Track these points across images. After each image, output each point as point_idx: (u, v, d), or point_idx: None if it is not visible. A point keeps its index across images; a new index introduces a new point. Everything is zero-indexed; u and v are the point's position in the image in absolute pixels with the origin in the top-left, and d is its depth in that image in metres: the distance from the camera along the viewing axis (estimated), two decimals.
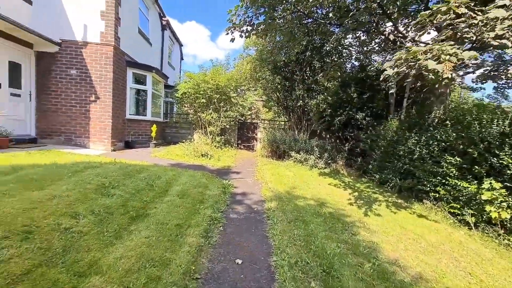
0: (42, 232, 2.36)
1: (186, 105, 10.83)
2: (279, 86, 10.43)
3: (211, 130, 10.17)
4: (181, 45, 16.17)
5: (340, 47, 9.94)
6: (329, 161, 8.92)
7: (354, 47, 10.82)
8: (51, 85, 7.25)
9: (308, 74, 10.10)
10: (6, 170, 3.76)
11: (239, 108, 10.49)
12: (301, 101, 9.74)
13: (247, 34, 6.55)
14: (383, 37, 7.95)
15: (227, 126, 10.56)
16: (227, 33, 6.50)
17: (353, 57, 10.91)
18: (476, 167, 4.32)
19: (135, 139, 8.78)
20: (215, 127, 10.13)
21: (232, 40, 6.58)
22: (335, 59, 9.95)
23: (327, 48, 9.69)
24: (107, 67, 7.31)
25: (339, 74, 9.05)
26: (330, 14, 7.44)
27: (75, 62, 7.24)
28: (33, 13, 6.97)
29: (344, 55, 10.53)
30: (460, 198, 4.39)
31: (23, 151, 5.67)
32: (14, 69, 6.64)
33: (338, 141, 10.48)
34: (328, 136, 10.81)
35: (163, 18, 11.92)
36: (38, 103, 7.24)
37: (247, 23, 6.29)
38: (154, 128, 9.04)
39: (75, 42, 7.20)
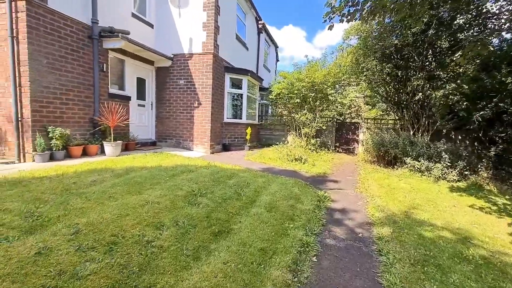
0: (126, 244, 2.30)
1: (280, 106, 10.52)
2: (388, 78, 8.60)
3: (306, 132, 9.45)
4: (276, 47, 16.19)
5: (481, 18, 7.22)
6: (466, 172, 6.60)
7: (504, 13, 7.68)
8: (165, 95, 8.35)
9: (430, 59, 7.85)
10: (121, 172, 4.27)
11: (337, 107, 9.34)
12: (420, 93, 7.64)
13: (349, 17, 5.48)
14: None
15: (323, 127, 9.58)
16: (325, 20, 5.62)
17: (505, 27, 7.74)
18: None
19: (231, 142, 9.09)
20: (310, 129, 9.35)
21: (331, 28, 5.65)
22: (475, 33, 7.28)
23: (461, 21, 7.22)
24: (208, 74, 7.79)
25: (491, 49, 6.57)
26: None
27: (183, 73, 8.06)
28: (155, 35, 8.19)
29: (490, 26, 7.62)
30: None
31: (142, 153, 6.63)
32: (140, 84, 7.97)
33: (477, 143, 7.72)
34: (459, 137, 8.16)
35: (259, 22, 12.09)
36: (157, 111, 8.48)
37: (350, 3, 5.22)
38: (249, 131, 9.12)
39: (183, 55, 8.02)
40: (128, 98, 7.28)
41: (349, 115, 11.07)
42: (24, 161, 4.98)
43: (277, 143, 9.89)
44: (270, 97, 9.73)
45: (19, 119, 4.92)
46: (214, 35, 7.69)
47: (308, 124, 9.41)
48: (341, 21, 5.60)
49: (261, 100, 12.46)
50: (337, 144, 11.14)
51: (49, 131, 5.13)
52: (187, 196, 3.56)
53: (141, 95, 8.00)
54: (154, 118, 8.50)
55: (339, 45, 9.98)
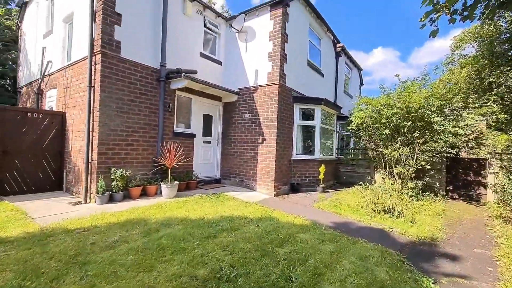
0: None
1: (365, 138, 8.62)
2: None
3: (400, 172, 7.19)
4: (360, 70, 14.34)
5: None
6: None
7: None
8: (231, 131, 8.00)
9: None
10: (153, 227, 3.69)
11: (446, 137, 6.78)
12: None
13: (465, 14, 3.75)
14: None
15: (427, 166, 7.07)
16: (423, 25, 4.05)
17: None
18: None
19: (302, 182, 7.78)
20: (405, 168, 7.07)
21: (434, 34, 4.03)
22: None
23: None
24: (272, 106, 7.01)
25: None
26: None
27: (248, 107, 7.56)
28: (223, 71, 8.17)
29: None
30: None
31: (199, 194, 6.16)
32: (207, 120, 7.89)
33: None
34: None
35: (337, 45, 10.87)
36: (222, 148, 8.17)
37: None
38: (322, 169, 7.64)
39: (248, 88, 7.58)
40: (193, 136, 7.21)
41: (464, 146, 7.99)
42: (89, 202, 5.18)
43: (361, 183, 7.93)
44: (350, 128, 8.07)
45: (89, 161, 5.23)
46: (280, 64, 6.96)
47: (403, 162, 7.15)
48: (451, 21, 3.92)
49: (341, 131, 10.75)
50: (450, 188, 8.11)
51: (112, 173, 5.26)
52: (207, 279, 2.54)
53: (207, 131, 7.89)
54: (220, 154, 8.20)
55: (447, 57, 7.59)
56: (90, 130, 5.23)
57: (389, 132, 7.04)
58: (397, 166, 7.33)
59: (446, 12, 3.90)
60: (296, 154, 7.83)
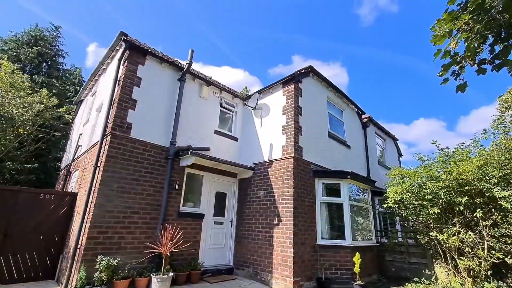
0: None
1: (411, 218, 6.93)
2: None
3: (468, 266, 5.25)
4: (395, 140, 13.23)
5: None
6: None
7: None
8: (245, 210, 7.19)
9: None
10: None
11: None
12: None
13: (498, 62, 3.07)
14: None
15: (509, 260, 5.06)
16: (445, 79, 3.37)
17: None
18: None
19: (331, 276, 6.12)
20: (474, 260, 5.16)
21: (462, 88, 3.32)
22: None
23: None
24: (288, 182, 6.25)
25: None
26: None
27: (263, 183, 6.91)
28: (239, 147, 8.01)
29: None
30: None
31: None
32: (220, 199, 7.30)
33: None
34: None
35: (362, 116, 10.40)
36: (236, 230, 7.23)
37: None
38: (357, 259, 6.02)
39: (263, 163, 7.10)
40: (201, 216, 6.55)
41: None
42: None
43: (415, 278, 5.96)
44: (386, 206, 6.65)
45: (78, 246, 4.78)
46: (294, 136, 6.54)
47: (470, 252, 5.28)
48: (480, 72, 3.24)
49: (380, 208, 9.09)
50: None
51: (98, 261, 4.65)
52: None
53: (220, 211, 7.19)
54: (233, 238, 7.20)
55: (496, 119, 6.43)
56: (87, 211, 4.98)
57: (439, 211, 5.49)
58: (461, 257, 5.42)
59: (471, 63, 3.25)
60: (322, 239, 6.47)
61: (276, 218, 6.24)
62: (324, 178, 6.93)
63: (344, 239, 6.48)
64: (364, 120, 10.56)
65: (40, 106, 10.06)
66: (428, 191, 5.73)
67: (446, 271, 6.17)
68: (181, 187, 6.29)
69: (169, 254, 5.41)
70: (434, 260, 6.80)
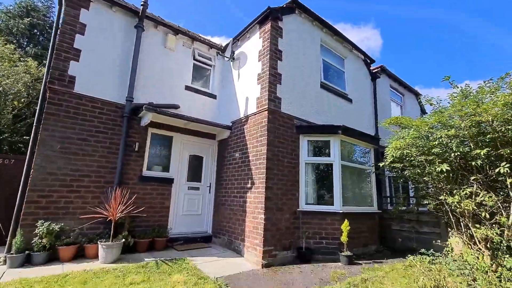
0: None
1: (417, 179, 5.68)
2: None
3: (485, 236, 4.07)
4: (417, 95, 11.28)
5: None
6: None
7: None
8: (223, 174, 6.44)
9: None
10: None
11: None
12: None
13: None
14: None
15: None
16: None
17: None
18: None
19: (316, 246, 5.27)
20: (492, 229, 3.95)
21: None
22: None
23: None
24: (262, 139, 5.28)
25: None
26: None
27: (239, 142, 6.02)
28: (218, 105, 7.09)
29: None
30: None
31: (154, 259, 4.50)
32: (196, 163, 6.60)
33: None
34: None
35: (372, 66, 8.74)
36: (215, 196, 6.57)
37: None
38: (345, 226, 5.07)
39: (239, 120, 6.15)
40: (169, 181, 5.93)
41: None
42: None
43: (422, 250, 4.93)
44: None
45: (20, 210, 4.40)
46: (269, 86, 5.43)
47: (489, 219, 4.05)
48: None
49: (390, 173, 7.80)
50: None
51: (37, 226, 4.25)
52: None
53: (195, 176, 6.52)
54: (212, 204, 6.57)
55: None
56: (29, 175, 4.53)
57: (448, 169, 4.20)
58: (477, 226, 4.23)
59: None
60: (307, 204, 5.55)
61: (250, 181, 5.40)
62: (310, 135, 5.84)
63: (332, 205, 5.50)
64: (375, 70, 8.92)
65: (26, 76, 9.84)
66: (436, 142, 4.43)
67: (463, 241, 5.02)
68: (143, 149, 5.64)
69: (128, 220, 4.92)
70: (449, 229, 5.61)
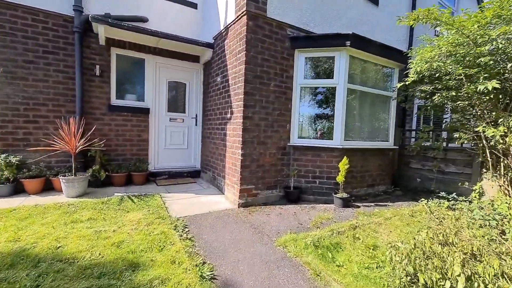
0: None
1: (449, 104, 4.27)
2: None
3: None
4: None
5: None
6: None
7: None
8: (207, 103, 5.56)
9: None
10: None
11: None
12: None
13: None
14: None
15: None
16: None
17: None
18: None
19: (308, 185, 4.53)
20: None
21: None
22: None
23: None
24: (240, 56, 4.08)
25: None
26: None
27: (220, 64, 4.88)
28: (200, 18, 5.72)
29: None
30: None
31: (126, 194, 4.18)
32: (177, 90, 5.72)
33: None
34: None
35: None
36: (202, 128, 5.86)
37: None
38: (343, 165, 4.15)
39: (220, 35, 4.86)
40: (145, 111, 5.23)
41: None
42: None
43: (445, 193, 4.03)
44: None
45: None
46: None
47: None
48: None
49: (419, 101, 6.24)
50: None
51: None
52: None
53: (178, 106, 5.74)
54: (200, 137, 5.93)
55: None
56: None
57: (498, 86, 2.78)
58: None
59: None
60: (299, 138, 4.60)
61: (230, 110, 4.47)
62: (308, 50, 4.44)
63: (332, 139, 4.48)
64: None
65: None
66: (487, 48, 2.90)
67: (497, 187, 3.91)
68: (107, 73, 4.82)
69: (99, 153, 4.51)
70: (483, 171, 4.44)
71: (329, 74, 4.50)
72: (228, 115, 4.50)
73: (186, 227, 3.20)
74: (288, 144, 4.54)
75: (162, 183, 5.16)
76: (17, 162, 4.02)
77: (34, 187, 4.12)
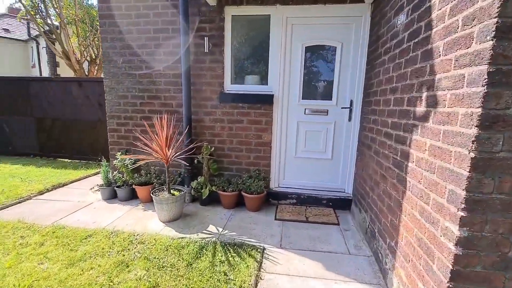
0: None
1: None
2: None
3: None
4: None
5: None
6: None
7: None
8: (373, 78, 2.81)
9: None
10: None
11: None
12: None
13: None
14: None
15: None
16: None
17: None
18: None
19: None
20: None
21: None
22: None
23: None
24: None
25: None
26: None
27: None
28: None
29: None
30: None
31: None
32: (319, 62, 3.37)
33: None
34: None
35: None
36: (361, 125, 3.23)
37: None
38: None
39: None
40: (268, 100, 3.37)
41: None
42: None
43: None
44: None
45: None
46: None
47: None
48: None
49: None
50: None
51: (116, 157, 3.70)
52: None
53: (318, 88, 3.42)
54: (356, 141, 3.34)
55: None
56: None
57: None
58: None
59: None
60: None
61: (427, 93, 1.63)
62: None
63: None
64: None
65: None
66: None
67: None
68: (219, 48, 3.36)
69: (206, 161, 3.34)
70: None
71: None
72: (422, 107, 1.68)
73: None
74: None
75: (284, 213, 3.25)
76: (126, 164, 3.55)
77: (144, 194, 3.55)
